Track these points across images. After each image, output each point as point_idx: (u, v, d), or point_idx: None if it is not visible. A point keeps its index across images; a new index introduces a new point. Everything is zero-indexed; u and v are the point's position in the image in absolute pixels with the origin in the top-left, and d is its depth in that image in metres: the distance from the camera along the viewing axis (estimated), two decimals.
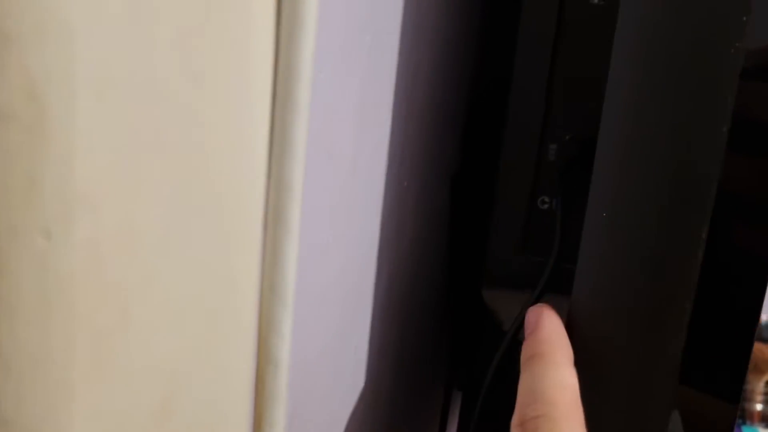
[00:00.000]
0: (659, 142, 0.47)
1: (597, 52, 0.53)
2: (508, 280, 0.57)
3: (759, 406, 1.11)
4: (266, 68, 0.23)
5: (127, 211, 0.19)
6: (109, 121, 0.17)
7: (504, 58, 0.55)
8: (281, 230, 0.27)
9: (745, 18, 0.46)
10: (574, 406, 0.31)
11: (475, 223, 0.64)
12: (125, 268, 0.19)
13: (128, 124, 0.18)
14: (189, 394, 0.23)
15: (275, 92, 0.24)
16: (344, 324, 0.42)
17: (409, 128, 0.49)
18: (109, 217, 0.18)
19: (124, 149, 0.18)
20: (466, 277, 0.65)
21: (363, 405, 0.47)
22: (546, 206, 0.57)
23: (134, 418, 0.21)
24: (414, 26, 0.45)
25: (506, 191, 0.57)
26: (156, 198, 0.20)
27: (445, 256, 0.63)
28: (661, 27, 0.45)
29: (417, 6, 0.45)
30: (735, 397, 0.55)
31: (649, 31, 0.46)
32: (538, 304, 0.38)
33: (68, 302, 0.18)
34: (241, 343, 0.26)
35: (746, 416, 1.12)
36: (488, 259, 0.57)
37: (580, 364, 0.50)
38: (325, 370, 0.39)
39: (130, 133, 0.18)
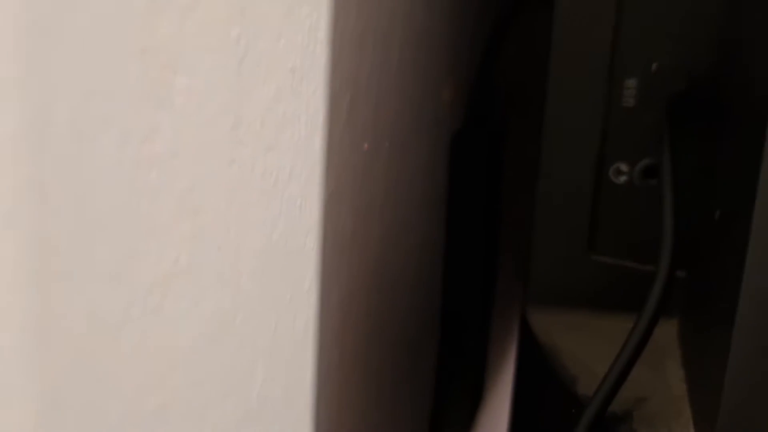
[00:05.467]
0: None
1: None
2: (566, 294, 0.35)
3: None
4: None
5: None
6: None
7: None
8: None
9: None
10: None
11: (494, 207, 0.42)
12: None
13: None
14: None
15: None
16: None
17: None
18: None
19: None
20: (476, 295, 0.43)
21: None
22: (623, 178, 0.35)
23: None
24: None
25: (556, 156, 0.36)
26: None
27: (445, 257, 0.41)
28: None
29: None
30: None
31: None
32: None
33: None
34: None
35: None
36: (534, 262, 0.35)
37: None
38: None
39: None
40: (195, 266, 0.18)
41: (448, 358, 0.44)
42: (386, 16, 0.31)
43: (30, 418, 0.15)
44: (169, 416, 0.19)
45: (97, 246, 0.16)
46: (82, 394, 0.16)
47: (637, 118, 0.35)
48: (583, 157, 0.35)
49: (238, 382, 0.22)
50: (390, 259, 0.35)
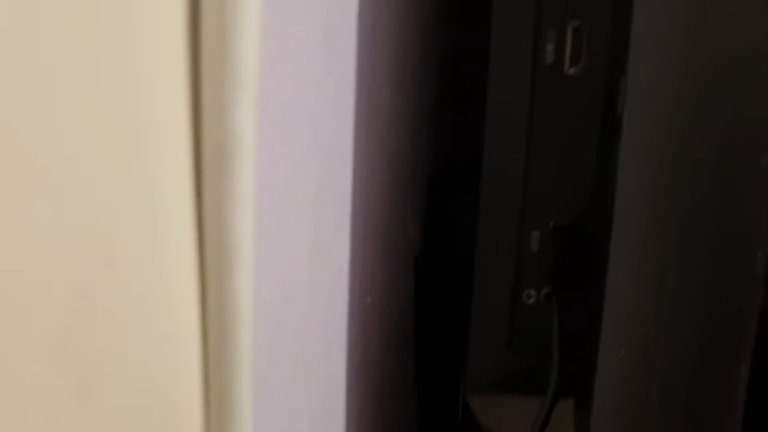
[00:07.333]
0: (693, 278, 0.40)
1: (577, 126, 0.49)
2: (495, 383, 0.51)
3: None
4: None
5: None
6: None
7: (474, 132, 0.51)
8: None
9: None
10: None
11: (447, 312, 0.58)
12: None
13: None
14: None
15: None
16: None
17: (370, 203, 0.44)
18: None
19: None
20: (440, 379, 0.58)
21: None
22: (532, 300, 0.51)
23: None
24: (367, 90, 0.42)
25: (486, 284, 0.51)
26: None
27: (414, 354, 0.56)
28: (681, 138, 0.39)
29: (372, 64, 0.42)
30: None
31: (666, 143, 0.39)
32: None
33: None
34: None
35: None
36: (470, 360, 0.51)
37: None
38: None
39: None
40: None
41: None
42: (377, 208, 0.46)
43: None
44: None
45: None
46: None
47: (540, 259, 0.51)
48: (504, 285, 0.51)
49: None
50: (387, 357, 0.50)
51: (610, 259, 0.38)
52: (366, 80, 0.40)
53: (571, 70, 0.49)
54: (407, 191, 0.55)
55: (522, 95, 0.49)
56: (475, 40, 0.52)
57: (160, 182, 0.18)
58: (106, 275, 0.17)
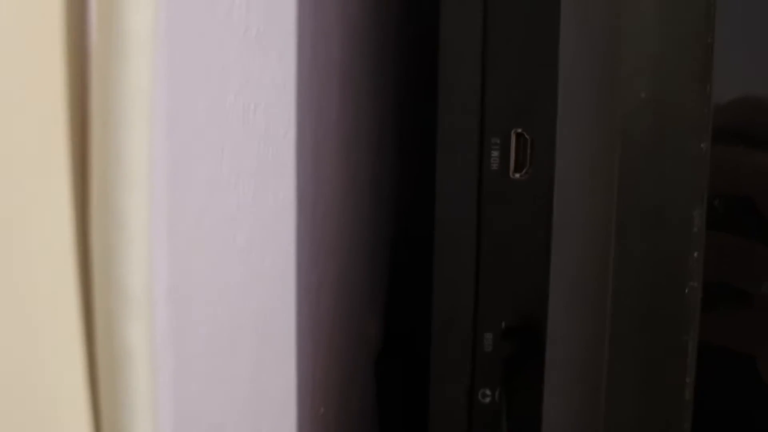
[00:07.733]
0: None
1: (525, 229, 0.51)
2: None
3: None
4: None
5: None
6: None
7: (421, 235, 0.52)
8: None
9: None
10: None
11: (408, 412, 0.59)
12: None
13: None
14: None
15: None
16: None
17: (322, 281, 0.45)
18: None
19: None
20: None
21: None
22: (488, 399, 0.52)
23: None
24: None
25: (442, 384, 0.52)
26: None
27: None
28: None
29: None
30: None
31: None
32: None
33: None
34: None
35: None
36: None
37: None
38: None
39: None
40: None
41: None
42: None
43: None
44: None
45: None
46: None
47: (494, 359, 0.52)
48: (460, 386, 0.52)
49: None
50: None
51: (545, 373, 0.39)
52: (309, 174, 0.42)
53: (516, 176, 0.51)
54: (364, 286, 0.56)
55: (470, 202, 0.51)
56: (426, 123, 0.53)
57: (56, 396, 0.19)
58: None
